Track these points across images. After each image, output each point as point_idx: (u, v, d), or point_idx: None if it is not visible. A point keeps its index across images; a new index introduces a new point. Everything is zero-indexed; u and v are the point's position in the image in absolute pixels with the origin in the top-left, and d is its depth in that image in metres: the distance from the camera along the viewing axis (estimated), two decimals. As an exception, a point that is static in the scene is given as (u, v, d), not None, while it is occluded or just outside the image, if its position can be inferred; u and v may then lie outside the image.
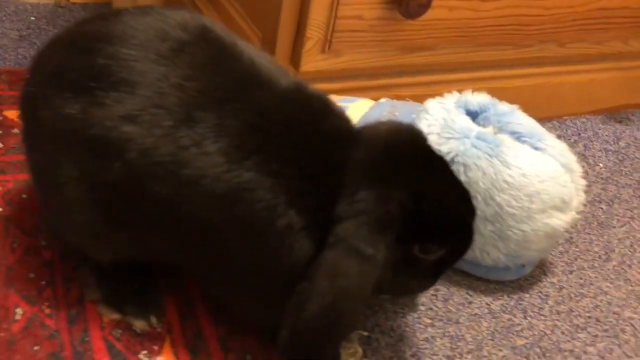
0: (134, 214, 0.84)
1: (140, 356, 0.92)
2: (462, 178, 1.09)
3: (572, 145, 1.72)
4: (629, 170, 1.67)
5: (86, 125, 0.80)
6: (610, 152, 1.74)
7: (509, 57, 1.58)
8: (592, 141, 1.77)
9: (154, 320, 0.96)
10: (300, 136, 0.81)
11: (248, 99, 0.81)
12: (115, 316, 0.96)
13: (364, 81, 1.42)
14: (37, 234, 1.06)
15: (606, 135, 1.81)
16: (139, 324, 0.96)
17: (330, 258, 0.76)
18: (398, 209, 0.77)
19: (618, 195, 1.56)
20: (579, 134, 1.80)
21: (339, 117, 0.88)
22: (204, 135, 0.78)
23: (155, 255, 0.91)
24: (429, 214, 0.81)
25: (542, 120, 1.79)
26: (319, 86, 1.37)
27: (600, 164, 1.68)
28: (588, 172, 1.63)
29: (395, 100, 1.32)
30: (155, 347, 0.94)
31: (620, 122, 1.90)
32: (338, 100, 1.32)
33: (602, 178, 1.62)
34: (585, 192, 1.51)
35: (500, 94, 1.30)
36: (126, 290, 0.98)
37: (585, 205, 1.48)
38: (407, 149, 0.83)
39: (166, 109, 0.78)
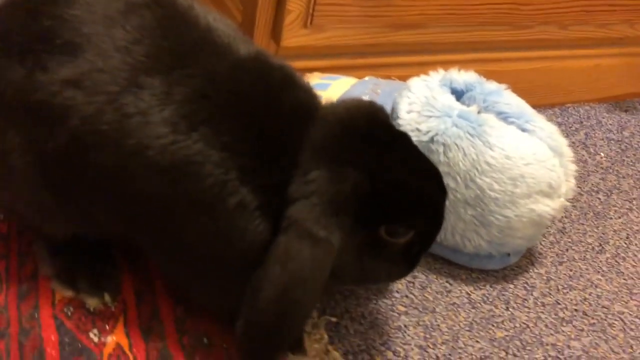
0: (79, 186, 0.79)
1: (91, 335, 0.88)
2: (442, 159, 1.04)
3: (572, 134, 1.65)
4: (632, 161, 1.60)
5: (30, 89, 0.75)
6: (612, 141, 1.66)
7: (506, 38, 1.51)
8: (594, 130, 1.70)
9: (107, 298, 0.92)
10: (255, 109, 0.76)
11: (200, 66, 0.76)
12: (68, 293, 0.92)
13: (350, 59, 1.36)
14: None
15: (610, 124, 1.74)
16: (92, 302, 0.92)
17: (283, 242, 0.71)
18: (352, 189, 0.72)
19: (618, 185, 1.49)
20: (581, 122, 1.72)
21: (302, 91, 0.82)
22: (150, 103, 0.73)
23: (106, 232, 0.87)
24: (389, 193, 0.75)
25: (542, 107, 1.73)
26: (302, 64, 1.32)
27: (602, 153, 1.61)
28: (587, 160, 1.56)
29: (379, 79, 1.26)
30: (107, 326, 0.90)
31: (626, 111, 1.82)
32: (321, 78, 1.27)
33: (602, 167, 1.55)
34: (583, 181, 1.45)
35: (496, 78, 1.22)
36: (80, 266, 0.93)
37: (581, 195, 1.42)
38: (365, 126, 0.77)
39: (110, 74, 0.73)
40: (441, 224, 0.84)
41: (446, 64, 1.42)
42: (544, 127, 1.10)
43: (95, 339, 0.88)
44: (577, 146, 1.61)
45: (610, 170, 1.54)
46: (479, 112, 1.08)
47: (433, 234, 0.85)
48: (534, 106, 1.69)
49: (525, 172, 1.03)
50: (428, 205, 0.81)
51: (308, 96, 0.83)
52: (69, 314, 0.90)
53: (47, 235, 0.91)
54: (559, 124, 1.68)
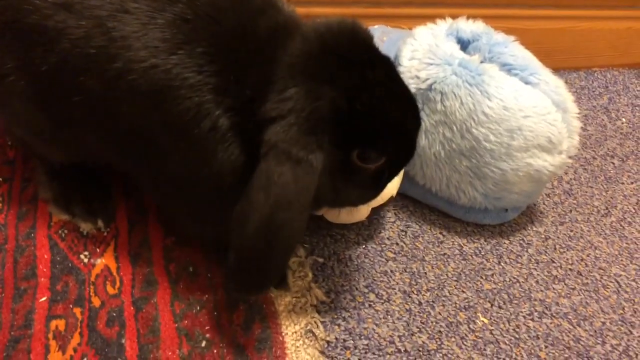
0: (71, 110, 0.82)
1: (82, 257, 0.92)
2: (439, 107, 1.03)
3: (595, 98, 1.60)
4: (655, 128, 1.54)
5: (24, 13, 0.78)
6: (637, 108, 1.61)
7: (530, -6, 1.46)
8: (619, 95, 1.64)
9: (100, 223, 0.96)
10: (231, 31, 0.76)
11: None
12: (64, 216, 0.96)
13: (366, 8, 1.35)
14: (2, 134, 1.07)
15: (638, 90, 1.67)
16: (86, 226, 0.96)
17: (264, 168, 0.70)
18: (329, 106, 0.70)
19: (635, 151, 1.45)
20: (607, 86, 1.66)
21: (282, 15, 0.81)
22: (134, 27, 0.74)
23: (99, 158, 0.90)
24: (365, 115, 0.73)
25: (567, 70, 1.68)
26: (320, 10, 1.32)
27: (624, 119, 1.56)
28: (607, 125, 1.52)
29: (389, 27, 1.24)
30: (98, 250, 0.94)
31: (657, 78, 1.75)
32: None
33: (621, 133, 1.50)
34: (599, 145, 1.42)
35: (518, 37, 1.18)
36: (76, 192, 0.97)
37: (595, 158, 1.39)
38: (346, 45, 0.74)
39: None
40: (412, 154, 0.82)
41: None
42: (549, 81, 1.07)
43: (85, 260, 0.92)
44: (598, 110, 1.56)
45: (630, 136, 1.50)
46: (481, 62, 1.06)
47: (402, 163, 0.83)
48: (557, 68, 1.66)
49: (523, 124, 1.01)
50: (401, 133, 0.79)
51: (289, 19, 0.81)
52: (63, 235, 0.94)
53: (47, 161, 0.95)
54: (582, 88, 1.64)
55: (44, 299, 0.86)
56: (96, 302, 0.87)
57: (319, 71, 0.72)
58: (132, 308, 0.87)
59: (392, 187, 1.00)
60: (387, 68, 0.78)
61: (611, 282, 1.10)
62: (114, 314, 0.86)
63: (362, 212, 1.00)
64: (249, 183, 0.72)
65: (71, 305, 0.86)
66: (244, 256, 0.75)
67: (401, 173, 0.99)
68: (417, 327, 0.96)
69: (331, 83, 0.71)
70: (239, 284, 0.79)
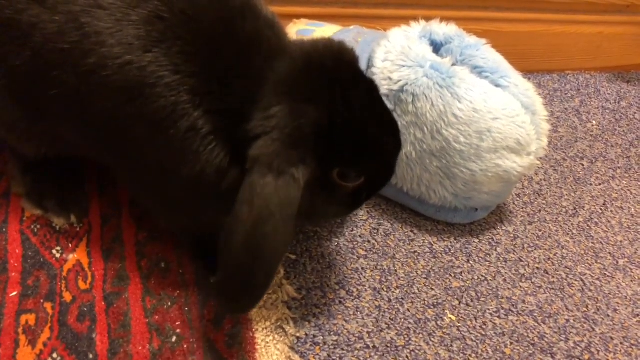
0: (46, 104, 0.82)
1: (54, 252, 0.93)
2: (410, 109, 1.05)
3: (567, 100, 1.64)
4: (624, 131, 1.58)
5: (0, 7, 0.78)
6: (607, 111, 1.64)
7: (505, -3, 1.49)
8: (590, 98, 1.68)
9: (74, 218, 0.96)
10: (210, 32, 0.77)
11: None
12: (37, 211, 0.97)
13: (341, 8, 1.36)
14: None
15: (608, 94, 1.71)
16: (59, 221, 0.96)
17: (247, 182, 0.71)
18: (312, 124, 0.72)
19: (604, 153, 1.48)
20: (579, 89, 1.70)
21: (264, 23, 0.82)
22: (108, 24, 0.75)
23: (74, 152, 0.90)
24: (346, 134, 0.75)
25: (541, 72, 1.71)
26: (294, 9, 1.33)
27: (594, 121, 1.59)
28: (578, 127, 1.55)
29: (364, 29, 1.26)
30: (70, 245, 0.94)
31: (628, 82, 1.79)
32: (307, 24, 1.27)
33: (591, 135, 1.54)
34: (569, 147, 1.45)
35: (493, 39, 1.20)
36: (49, 186, 0.98)
37: (565, 160, 1.42)
38: (331, 66, 0.76)
39: None
40: (391, 175, 0.85)
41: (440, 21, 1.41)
42: (519, 84, 1.09)
43: (57, 255, 0.92)
44: (570, 112, 1.60)
45: (600, 139, 1.53)
46: (453, 65, 1.08)
47: (381, 184, 0.86)
48: (531, 71, 1.69)
49: (493, 126, 1.03)
50: (382, 155, 0.81)
51: (271, 29, 0.82)
52: (36, 230, 0.95)
53: (21, 155, 0.95)
54: (555, 90, 1.67)
55: (14, 293, 0.87)
56: (67, 297, 0.88)
57: (303, 90, 0.74)
58: (103, 303, 0.88)
59: None
60: (370, 90, 0.80)
61: (576, 280, 1.13)
62: (85, 309, 0.87)
63: None
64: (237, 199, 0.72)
65: (42, 300, 0.87)
66: (229, 271, 0.74)
67: None
68: (386, 324, 0.98)
69: (315, 102, 0.73)
70: (226, 299, 0.78)
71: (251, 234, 0.70)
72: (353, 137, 0.76)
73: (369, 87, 0.81)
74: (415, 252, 1.11)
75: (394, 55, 1.08)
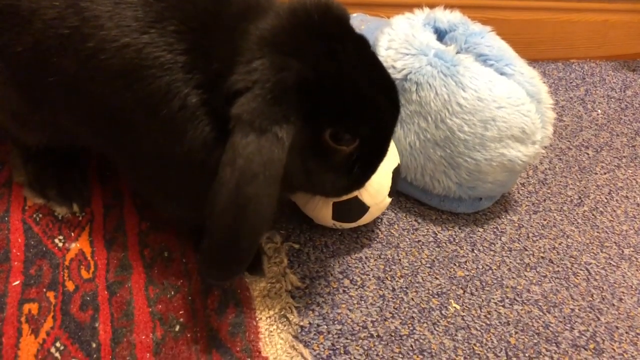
0: (47, 90, 0.82)
1: (56, 241, 0.92)
2: (414, 97, 1.04)
3: (572, 89, 1.62)
4: (629, 119, 1.57)
5: (0, -6, 0.78)
6: (613, 99, 1.63)
7: (509, -15, 1.48)
8: (596, 86, 1.66)
9: (75, 207, 0.96)
10: (203, 8, 0.75)
11: None
12: (39, 200, 0.96)
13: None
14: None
15: (613, 82, 1.70)
16: (61, 210, 0.96)
17: (230, 143, 0.68)
18: (294, 77, 0.68)
19: (610, 142, 1.47)
20: (584, 78, 1.69)
21: None
22: (106, 7, 0.74)
23: (75, 139, 0.90)
24: (334, 92, 0.72)
25: (546, 61, 1.70)
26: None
27: (599, 110, 1.58)
28: (583, 116, 1.54)
29: (368, 16, 1.25)
30: (73, 234, 0.94)
31: (633, 70, 1.78)
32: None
33: (596, 124, 1.52)
34: (574, 136, 1.44)
35: (498, 27, 1.19)
36: (51, 176, 0.97)
37: (570, 149, 1.41)
38: (317, 21, 0.72)
39: None
40: (388, 138, 0.80)
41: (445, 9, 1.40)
42: (524, 72, 1.08)
43: (60, 244, 0.92)
44: (575, 101, 1.58)
45: (605, 128, 1.52)
46: (457, 52, 1.07)
47: (379, 148, 0.81)
48: (536, 59, 1.68)
49: (497, 115, 1.02)
50: (375, 114, 0.77)
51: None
52: (38, 219, 0.94)
53: (22, 144, 0.94)
54: (560, 79, 1.66)
55: (17, 282, 0.86)
56: (70, 286, 0.88)
57: (287, 43, 0.71)
58: (106, 292, 0.88)
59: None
60: (360, 46, 0.76)
61: (581, 270, 1.13)
62: (88, 298, 0.87)
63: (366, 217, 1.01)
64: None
65: (45, 289, 0.86)
66: (214, 237, 0.72)
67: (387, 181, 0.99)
68: (390, 313, 0.97)
69: (298, 55, 0.70)
70: (211, 267, 0.76)
71: (234, 196, 0.67)
72: (342, 94, 0.73)
73: (360, 42, 0.77)
74: (419, 241, 1.11)
75: (398, 43, 1.07)
